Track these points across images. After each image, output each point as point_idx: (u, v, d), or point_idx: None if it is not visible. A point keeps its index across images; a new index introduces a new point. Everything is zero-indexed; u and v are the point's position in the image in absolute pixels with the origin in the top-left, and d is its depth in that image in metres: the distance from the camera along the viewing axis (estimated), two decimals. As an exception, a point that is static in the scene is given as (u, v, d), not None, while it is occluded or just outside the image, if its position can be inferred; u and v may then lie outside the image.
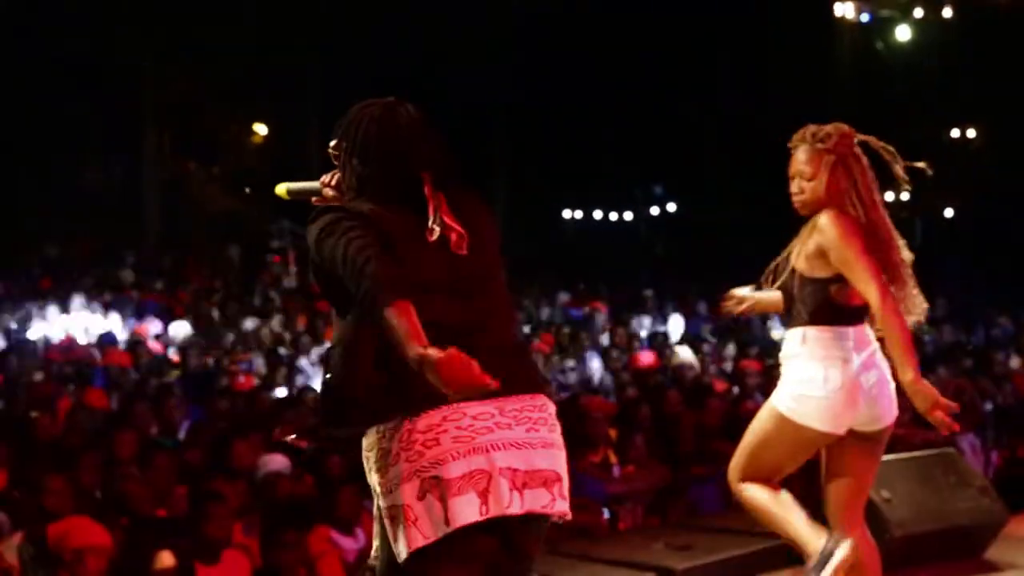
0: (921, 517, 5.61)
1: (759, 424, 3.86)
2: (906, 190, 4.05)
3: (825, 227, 3.72)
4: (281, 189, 3.25)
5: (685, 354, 10.65)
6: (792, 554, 4.98)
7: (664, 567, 5.56)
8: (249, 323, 12.13)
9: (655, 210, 31.31)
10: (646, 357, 10.68)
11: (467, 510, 2.65)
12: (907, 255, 3.88)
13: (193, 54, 20.75)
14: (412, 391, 2.61)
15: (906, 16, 23.23)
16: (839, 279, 3.74)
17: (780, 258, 3.95)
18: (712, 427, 7.90)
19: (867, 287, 3.63)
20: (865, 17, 23.53)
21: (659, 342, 12.37)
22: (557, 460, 2.80)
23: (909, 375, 3.58)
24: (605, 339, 12.98)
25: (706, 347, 11.19)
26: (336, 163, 2.99)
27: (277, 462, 6.69)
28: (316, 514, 5.91)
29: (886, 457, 6.34)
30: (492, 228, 2.92)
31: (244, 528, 5.96)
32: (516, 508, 2.70)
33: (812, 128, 3.88)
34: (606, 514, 6.98)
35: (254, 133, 25.51)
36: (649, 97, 24.19)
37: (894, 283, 3.77)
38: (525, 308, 15.51)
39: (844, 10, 23.19)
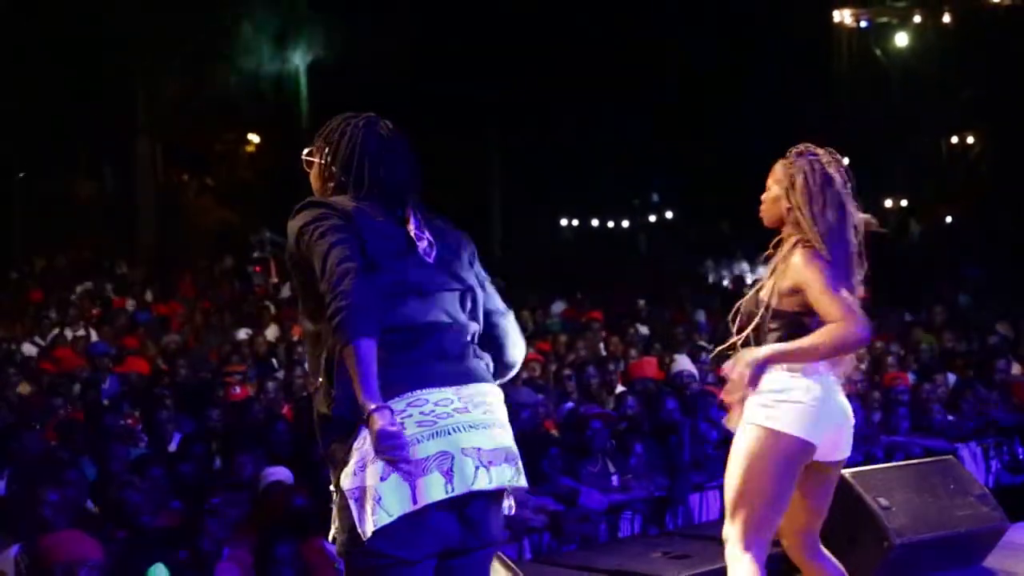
0: (920, 525, 5.58)
1: (737, 452, 3.76)
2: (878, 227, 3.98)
3: (798, 267, 3.71)
4: None
5: (684, 362, 10.59)
6: (787, 563, 4.94)
7: (661, 576, 5.53)
8: (242, 333, 12.09)
9: (652, 218, 31.35)
10: (645, 366, 10.63)
11: (433, 489, 2.82)
12: (859, 289, 3.82)
13: (185, 64, 20.76)
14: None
15: (904, 22, 23.27)
16: (810, 312, 3.72)
17: (745, 299, 3.91)
18: (710, 436, 7.85)
19: (834, 317, 3.61)
20: (863, 23, 23.56)
21: (657, 351, 12.32)
22: (512, 440, 3.02)
23: (768, 352, 3.62)
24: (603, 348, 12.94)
25: (703, 356, 11.13)
26: (308, 169, 3.15)
27: (278, 474, 6.64)
28: (312, 526, 5.85)
29: (885, 465, 6.35)
30: (460, 246, 3.14)
31: (239, 541, 5.92)
32: (482, 484, 2.88)
33: (801, 146, 3.88)
34: (604, 523, 6.95)
35: (247, 143, 25.52)
36: (646, 105, 24.19)
37: None
38: (522, 317, 15.48)
39: (842, 16, 23.21)
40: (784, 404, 3.67)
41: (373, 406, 2.74)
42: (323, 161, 3.10)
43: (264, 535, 5.69)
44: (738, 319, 3.90)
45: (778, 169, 3.87)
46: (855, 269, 3.79)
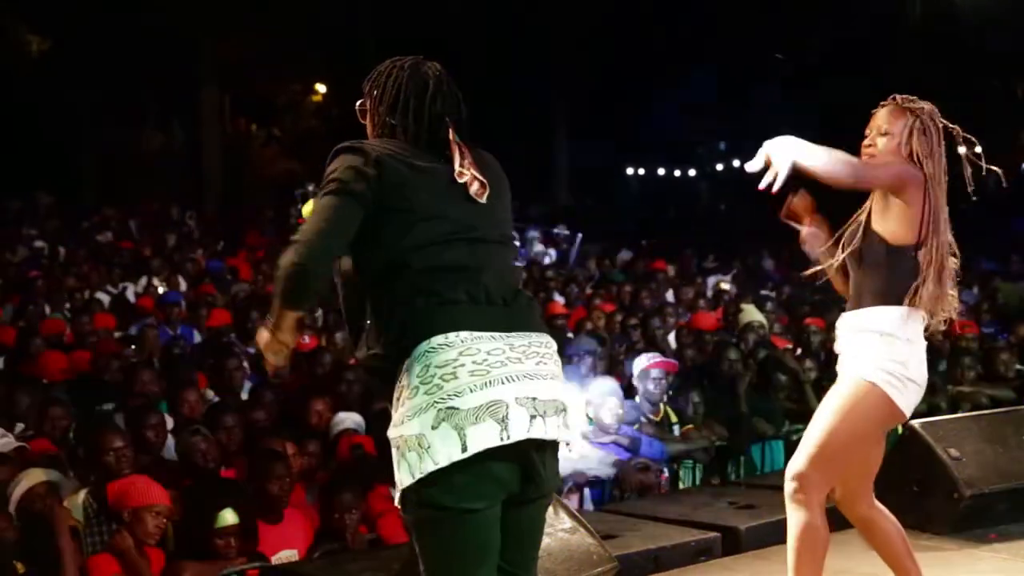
0: (991, 476, 5.51)
1: (841, 399, 3.73)
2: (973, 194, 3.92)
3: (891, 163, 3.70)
4: (308, 209, 3.29)
5: (753, 313, 10.50)
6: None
7: (729, 526, 5.52)
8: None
9: (719, 167, 31.02)
10: (707, 318, 10.57)
11: (486, 436, 2.82)
12: (954, 261, 3.78)
13: (251, 14, 20.80)
14: (423, 324, 2.86)
15: (978, -40, 22.63)
16: (897, 250, 3.69)
17: (849, 226, 3.86)
18: (771, 386, 7.80)
19: (871, 166, 3.67)
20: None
21: (725, 301, 12.25)
22: (564, 391, 3.01)
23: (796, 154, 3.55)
24: (669, 296, 12.89)
25: (769, 305, 11.04)
26: (363, 120, 3.18)
27: (350, 420, 6.70)
28: (377, 473, 5.90)
29: (956, 416, 6.26)
30: (506, 189, 3.14)
31: (308, 488, 5.99)
32: (537, 433, 2.87)
33: (901, 95, 3.82)
34: (666, 473, 6.93)
35: (313, 92, 25.58)
36: (711, 52, 23.87)
37: (934, 273, 3.69)
38: (587, 266, 15.44)
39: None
40: (905, 379, 3.69)
41: (271, 324, 2.96)
42: (373, 103, 3.12)
43: (331, 481, 5.75)
44: (840, 245, 3.87)
45: (891, 115, 3.79)
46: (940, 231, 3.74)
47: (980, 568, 5.01)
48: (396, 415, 2.88)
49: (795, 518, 3.75)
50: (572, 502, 6.11)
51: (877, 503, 3.95)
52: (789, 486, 3.76)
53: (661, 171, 31.37)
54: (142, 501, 4.90)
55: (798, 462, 3.76)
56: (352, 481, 5.64)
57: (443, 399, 2.81)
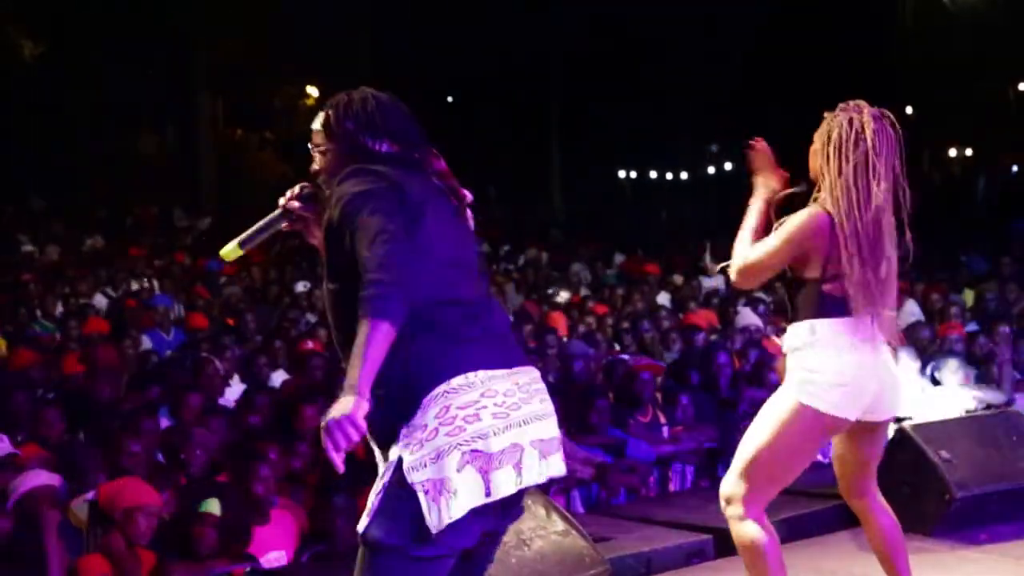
0: (982, 477, 5.52)
1: (768, 418, 3.72)
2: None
3: (793, 217, 3.71)
4: (227, 251, 3.10)
5: (749, 316, 10.49)
6: (850, 515, 4.91)
7: (721, 528, 5.51)
8: (300, 286, 12.20)
9: (711, 169, 31.09)
10: (698, 319, 10.56)
11: (505, 483, 2.78)
12: (890, 267, 3.67)
13: (244, 18, 20.81)
14: (441, 365, 2.77)
15: (971, -34, 22.71)
16: (831, 279, 3.65)
17: None
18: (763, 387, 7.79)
19: (758, 255, 3.72)
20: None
21: (717, 303, 12.24)
22: (556, 426, 2.98)
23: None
24: (662, 299, 12.88)
25: (761, 307, 11.03)
26: (323, 157, 3.03)
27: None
28: (369, 477, 5.88)
29: (946, 417, 6.26)
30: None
31: (295, 490, 5.97)
32: (542, 477, 2.87)
33: (852, 101, 3.76)
34: (655, 475, 6.92)
35: (306, 96, 25.57)
36: (703, 54, 23.91)
37: (865, 295, 3.61)
38: (579, 271, 15.44)
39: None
40: (823, 384, 3.63)
41: (357, 394, 2.60)
42: (351, 134, 2.98)
43: (322, 484, 5.75)
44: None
45: (823, 122, 3.77)
46: (880, 237, 3.63)
47: (971, 569, 5.03)
48: (412, 457, 2.74)
49: (736, 536, 3.75)
50: (560, 503, 6.11)
51: (880, 498, 3.95)
52: (723, 506, 3.76)
53: (653, 174, 31.42)
54: (133, 502, 4.90)
55: (729, 480, 3.77)
56: (343, 484, 5.63)
57: (467, 442, 2.73)
